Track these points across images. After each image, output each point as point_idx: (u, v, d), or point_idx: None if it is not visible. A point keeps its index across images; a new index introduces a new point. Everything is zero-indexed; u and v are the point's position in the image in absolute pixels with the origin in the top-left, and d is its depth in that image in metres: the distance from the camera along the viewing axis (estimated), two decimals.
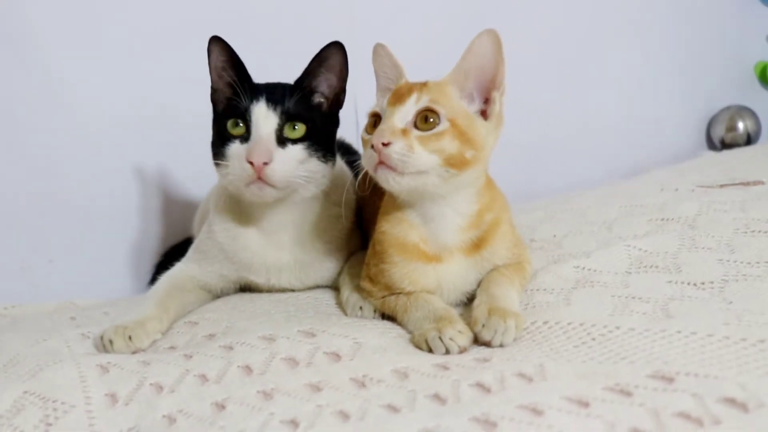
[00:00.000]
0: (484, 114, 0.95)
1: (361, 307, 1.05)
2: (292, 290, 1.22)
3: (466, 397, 0.68)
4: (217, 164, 1.11)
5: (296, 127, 1.08)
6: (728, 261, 1.02)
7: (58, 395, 0.78)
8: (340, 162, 1.27)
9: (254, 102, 1.08)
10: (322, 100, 1.14)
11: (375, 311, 1.04)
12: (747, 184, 1.45)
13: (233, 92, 1.10)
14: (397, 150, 0.88)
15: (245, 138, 1.07)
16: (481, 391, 0.69)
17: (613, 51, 2.40)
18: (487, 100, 0.95)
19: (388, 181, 0.90)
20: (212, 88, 1.15)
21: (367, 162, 0.92)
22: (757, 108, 2.57)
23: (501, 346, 0.84)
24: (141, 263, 1.69)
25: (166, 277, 1.20)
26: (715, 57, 2.61)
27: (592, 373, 0.69)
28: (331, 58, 1.11)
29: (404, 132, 0.89)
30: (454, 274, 1.00)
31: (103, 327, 0.99)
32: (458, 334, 0.85)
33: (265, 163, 1.03)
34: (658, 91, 2.50)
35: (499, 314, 0.86)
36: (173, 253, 1.52)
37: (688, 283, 0.97)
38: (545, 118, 2.26)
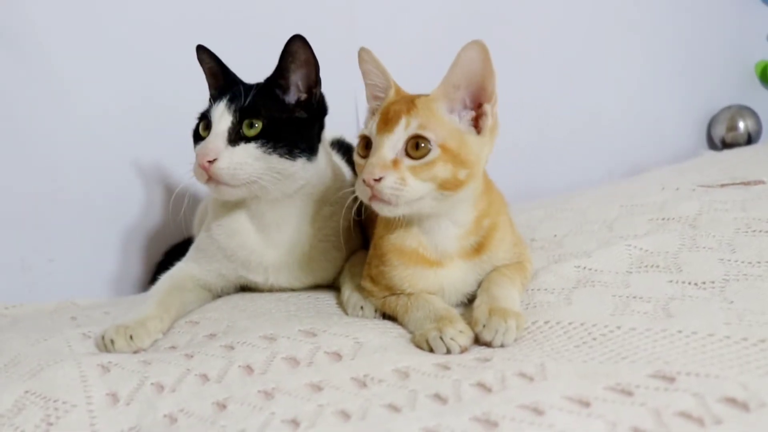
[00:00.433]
0: (476, 124, 0.93)
1: (362, 307, 1.05)
2: (292, 290, 1.22)
3: (467, 397, 0.68)
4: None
5: (254, 124, 1.09)
6: (729, 260, 1.02)
7: (59, 395, 0.78)
8: (338, 162, 1.27)
9: (217, 103, 1.11)
10: (299, 95, 1.14)
11: (376, 311, 1.04)
12: (748, 183, 1.45)
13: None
14: (389, 185, 0.87)
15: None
16: (482, 391, 0.69)
17: (613, 50, 2.40)
18: (478, 113, 0.93)
19: (383, 211, 0.91)
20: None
21: (360, 194, 0.91)
22: (758, 107, 2.57)
23: (502, 346, 0.84)
24: (142, 263, 1.69)
25: (166, 277, 1.20)
26: (715, 57, 2.62)
27: (593, 373, 0.69)
28: (296, 52, 1.11)
29: (395, 163, 0.88)
30: (455, 277, 1.00)
31: (104, 326, 0.99)
32: (459, 333, 0.85)
33: (212, 162, 1.05)
34: (658, 90, 2.51)
35: (500, 314, 0.86)
36: (174, 252, 1.52)
37: (689, 283, 0.97)
38: (546, 118, 2.27)
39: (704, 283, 0.96)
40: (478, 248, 1.00)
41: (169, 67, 1.66)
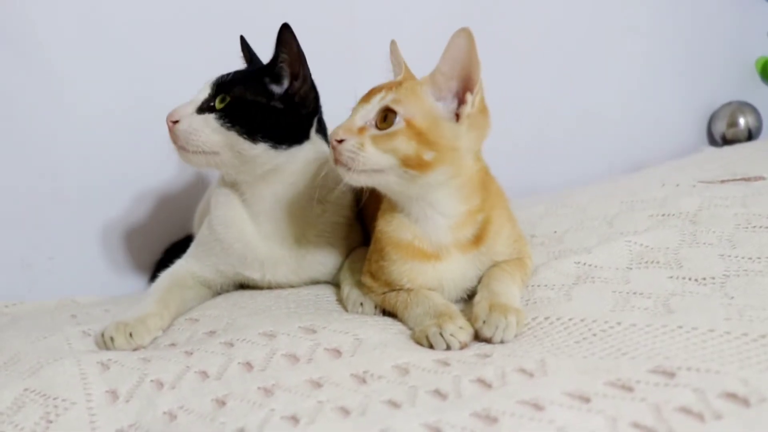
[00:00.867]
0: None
1: (361, 304, 1.05)
2: (291, 286, 1.22)
3: (467, 393, 0.68)
4: None
5: (225, 99, 1.12)
6: (729, 256, 1.02)
7: (58, 392, 0.78)
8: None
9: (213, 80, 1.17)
10: (286, 89, 1.15)
11: (376, 307, 1.04)
12: (748, 179, 1.45)
13: None
14: (347, 147, 0.89)
15: None
16: (482, 387, 0.69)
17: (613, 47, 2.40)
18: (461, 103, 0.93)
19: (343, 176, 0.92)
20: None
21: (330, 158, 0.94)
22: (758, 104, 2.57)
23: (502, 342, 0.84)
24: (141, 261, 1.69)
25: (166, 274, 1.20)
26: (716, 53, 2.61)
27: (594, 369, 0.69)
28: (284, 42, 1.13)
29: (361, 129, 0.91)
30: (454, 271, 1.00)
31: (103, 324, 0.99)
32: (459, 329, 0.85)
33: (174, 123, 1.11)
34: (659, 87, 2.50)
35: (500, 310, 0.86)
36: (173, 250, 1.52)
37: (690, 279, 0.96)
38: (546, 115, 2.27)
39: (705, 278, 0.96)
40: (475, 241, 0.99)
41: (168, 66, 1.65)
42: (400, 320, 0.98)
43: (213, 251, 1.21)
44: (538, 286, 1.03)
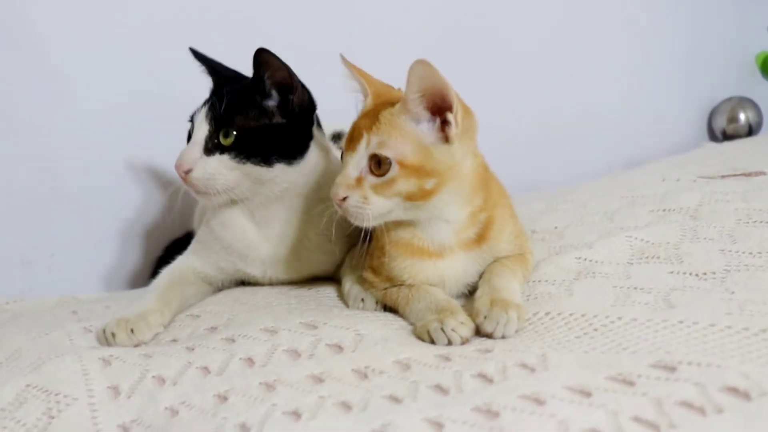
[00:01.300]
0: (444, 132, 0.91)
1: (362, 299, 1.05)
2: (292, 282, 1.22)
3: (469, 388, 0.68)
4: None
5: (229, 133, 1.09)
6: (730, 251, 1.02)
7: (60, 388, 0.78)
8: (337, 155, 1.26)
9: (201, 108, 1.13)
10: (279, 100, 1.13)
11: (377, 303, 1.04)
12: (748, 174, 1.45)
13: None
14: (352, 204, 0.91)
15: None
16: (483, 382, 0.69)
17: (613, 42, 2.39)
18: (444, 122, 0.91)
19: (355, 223, 0.94)
20: None
21: (337, 209, 0.95)
22: (759, 99, 2.57)
23: (503, 337, 0.84)
24: (142, 257, 1.69)
25: (167, 271, 1.20)
26: (716, 48, 2.61)
27: (595, 363, 0.69)
28: (265, 63, 1.09)
29: (359, 181, 0.91)
30: (455, 268, 1.00)
31: (105, 320, 0.99)
32: (460, 325, 0.85)
33: (187, 172, 1.08)
34: (659, 82, 2.50)
35: (501, 306, 0.86)
36: (174, 247, 1.52)
37: (690, 274, 0.97)
38: (546, 111, 2.26)
39: (705, 273, 0.96)
40: (478, 239, 1.00)
41: (167, 63, 1.65)
42: (401, 316, 0.98)
43: (213, 250, 1.21)
44: (539, 281, 1.03)
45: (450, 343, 0.83)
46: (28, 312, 1.27)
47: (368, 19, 1.92)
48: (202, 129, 1.11)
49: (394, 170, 0.89)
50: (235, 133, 1.09)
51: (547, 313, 0.88)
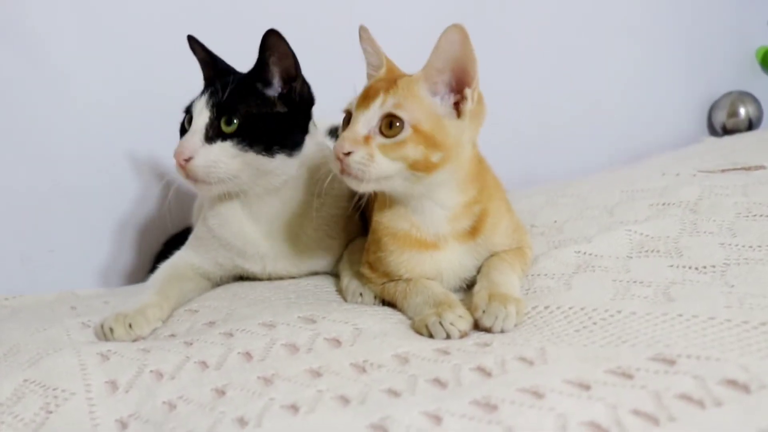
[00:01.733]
0: (458, 108, 0.92)
1: (361, 294, 1.05)
2: (291, 277, 1.22)
3: (467, 381, 0.68)
4: None
5: (232, 121, 1.08)
6: (730, 245, 1.02)
7: (58, 383, 0.78)
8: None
9: (199, 97, 1.11)
10: (282, 89, 1.13)
11: (375, 298, 1.04)
12: (748, 168, 1.45)
13: None
14: (356, 159, 0.88)
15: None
16: (481, 375, 0.69)
17: (614, 37, 2.39)
18: (461, 97, 0.92)
19: (351, 185, 0.91)
20: None
21: (333, 167, 0.92)
22: (759, 93, 2.56)
23: (502, 331, 0.84)
24: (141, 253, 1.69)
25: (165, 266, 1.20)
26: (716, 42, 2.60)
27: (594, 357, 0.69)
28: (273, 46, 1.09)
29: (366, 139, 0.89)
30: (452, 261, 1.00)
31: (103, 315, 0.99)
32: (458, 318, 0.84)
33: (187, 160, 1.05)
34: (659, 76, 2.49)
35: (500, 300, 0.86)
36: (173, 242, 1.52)
37: (690, 267, 0.96)
38: (546, 105, 2.26)
39: (705, 267, 0.96)
40: (472, 232, 0.99)
41: (166, 58, 1.64)
42: (400, 310, 0.98)
43: (211, 247, 1.20)
44: (538, 275, 1.03)
45: (448, 336, 0.83)
46: (26, 307, 1.27)
47: (368, 17, 1.91)
48: (203, 116, 1.09)
49: (407, 132, 0.88)
50: (236, 121, 1.07)
51: (546, 307, 0.88)
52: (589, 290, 0.92)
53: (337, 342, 0.83)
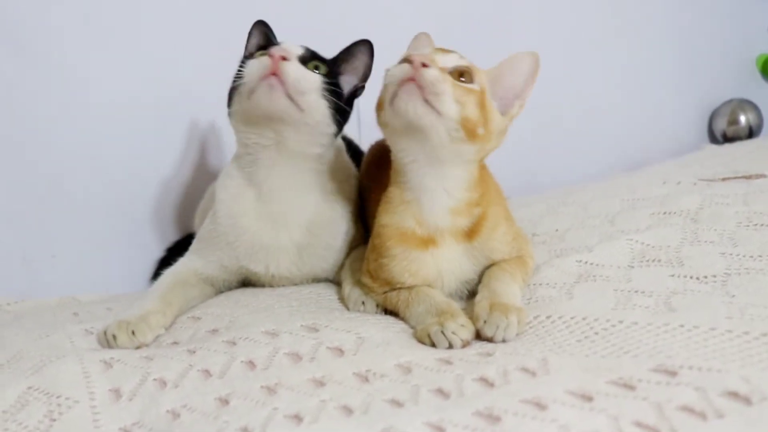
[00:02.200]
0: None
1: (363, 303, 1.05)
2: (293, 282, 1.22)
3: (470, 392, 0.68)
4: (230, 100, 1.13)
5: (318, 67, 1.11)
6: (731, 254, 1.02)
7: (61, 391, 0.78)
8: (345, 156, 1.27)
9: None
10: (345, 85, 1.17)
11: (377, 306, 1.04)
12: (749, 177, 1.45)
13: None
14: (433, 74, 0.87)
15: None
16: (484, 386, 0.69)
17: (614, 44, 2.40)
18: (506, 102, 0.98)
19: (407, 102, 0.88)
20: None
21: (395, 75, 0.89)
22: (759, 101, 2.57)
23: (503, 341, 0.84)
24: (143, 259, 1.69)
25: (168, 272, 1.19)
26: (716, 50, 2.61)
27: (596, 367, 0.69)
28: (364, 55, 1.16)
29: (441, 70, 0.90)
30: (450, 260, 1.00)
31: (106, 322, 0.99)
32: (461, 327, 0.85)
33: (284, 59, 1.03)
34: (659, 84, 2.50)
35: (501, 310, 0.86)
36: (176, 248, 1.52)
37: (691, 277, 0.97)
38: (546, 113, 2.25)
39: (706, 277, 0.96)
40: (470, 233, 1.00)
41: (171, 62, 1.65)
42: (402, 319, 0.98)
43: (217, 245, 1.20)
44: (540, 284, 1.03)
45: (451, 346, 0.83)
46: (28, 313, 1.27)
47: (368, 16, 1.92)
48: (296, 47, 1.10)
49: (476, 86, 0.92)
50: (325, 71, 1.11)
51: (548, 317, 0.88)
52: (591, 300, 0.92)
53: (339, 351, 0.84)
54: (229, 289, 1.25)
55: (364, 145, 1.42)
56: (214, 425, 0.68)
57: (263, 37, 1.21)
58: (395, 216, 1.00)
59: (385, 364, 0.78)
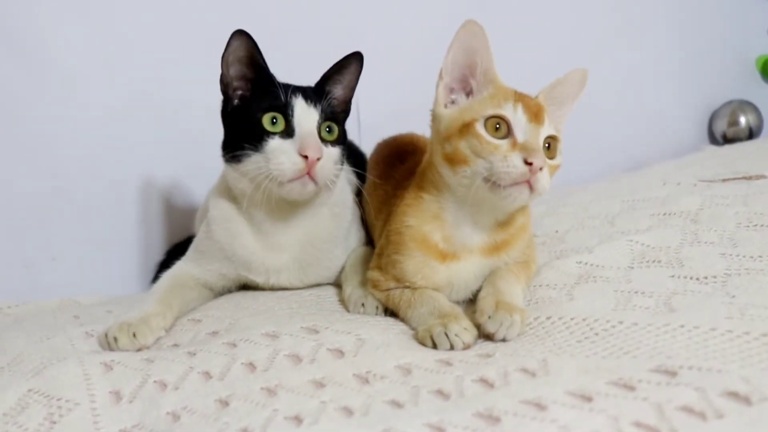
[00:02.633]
0: None
1: (363, 304, 1.05)
2: (294, 288, 1.22)
3: (470, 393, 0.68)
4: (237, 160, 1.06)
5: (329, 128, 1.08)
6: (731, 255, 1.02)
7: (62, 393, 0.78)
8: (345, 165, 1.27)
9: (292, 98, 1.06)
10: (337, 105, 1.15)
11: (377, 308, 1.04)
12: (749, 178, 1.45)
13: (248, 87, 1.10)
14: (546, 177, 0.89)
15: (287, 133, 1.04)
16: (484, 387, 0.69)
17: (614, 45, 2.40)
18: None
19: (517, 198, 0.89)
20: (225, 82, 1.11)
21: (509, 173, 0.86)
22: (759, 102, 2.57)
23: (504, 340, 0.84)
24: (144, 261, 1.69)
25: (168, 275, 1.19)
26: (716, 51, 2.61)
27: (596, 368, 0.70)
28: (356, 69, 1.13)
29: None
30: (469, 272, 1.00)
31: (106, 324, 0.99)
32: (464, 330, 0.85)
33: (319, 159, 1.03)
34: (659, 85, 2.50)
35: (506, 308, 0.86)
36: (176, 251, 1.52)
37: (691, 278, 0.97)
38: None
39: (706, 277, 0.96)
40: (501, 245, 1.00)
41: (171, 65, 1.66)
42: (402, 319, 0.98)
43: (215, 258, 1.19)
44: (540, 285, 1.04)
45: (452, 347, 0.83)
46: (29, 316, 1.27)
47: (367, 17, 1.92)
48: (311, 119, 1.05)
49: (559, 159, 0.94)
50: (338, 129, 1.09)
51: (548, 318, 0.88)
52: (591, 301, 0.92)
53: (340, 353, 0.84)
54: (229, 292, 1.25)
55: (365, 145, 1.42)
56: (215, 427, 0.68)
57: (249, 59, 1.09)
58: (424, 225, 0.99)
59: (385, 366, 0.78)
